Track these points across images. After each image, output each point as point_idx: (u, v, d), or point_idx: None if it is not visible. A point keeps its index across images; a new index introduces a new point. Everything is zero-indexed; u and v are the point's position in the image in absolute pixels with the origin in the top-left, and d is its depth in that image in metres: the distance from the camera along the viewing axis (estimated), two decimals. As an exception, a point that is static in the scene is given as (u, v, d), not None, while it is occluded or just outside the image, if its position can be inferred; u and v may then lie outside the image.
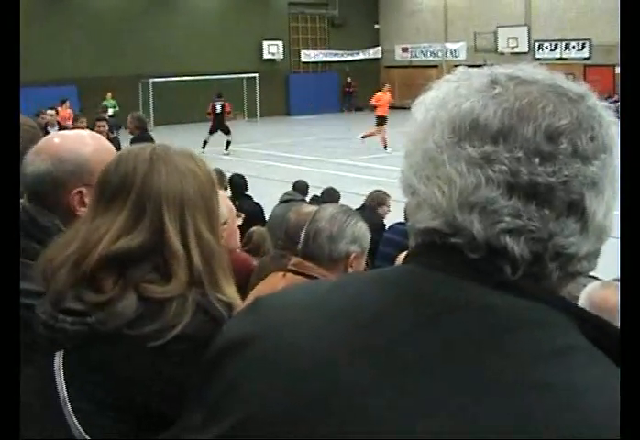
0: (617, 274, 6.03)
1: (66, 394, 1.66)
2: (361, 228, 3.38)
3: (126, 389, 1.65)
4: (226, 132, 25.32)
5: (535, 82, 1.04)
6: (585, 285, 4.75)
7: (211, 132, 25.45)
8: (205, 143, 24.52)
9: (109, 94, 31.57)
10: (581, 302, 3.54)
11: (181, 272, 1.70)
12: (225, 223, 3.35)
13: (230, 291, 1.78)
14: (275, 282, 3.37)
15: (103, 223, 1.74)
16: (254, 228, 6.82)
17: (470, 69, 1.10)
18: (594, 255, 1.04)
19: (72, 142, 2.30)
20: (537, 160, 0.97)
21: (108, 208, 1.77)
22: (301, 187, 10.46)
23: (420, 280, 1.03)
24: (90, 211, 1.82)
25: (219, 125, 25.52)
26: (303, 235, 3.39)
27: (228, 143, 25.11)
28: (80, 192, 2.19)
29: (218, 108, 25.76)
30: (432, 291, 1.00)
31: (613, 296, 3.35)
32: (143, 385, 1.65)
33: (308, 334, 1.03)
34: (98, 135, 2.47)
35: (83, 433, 1.64)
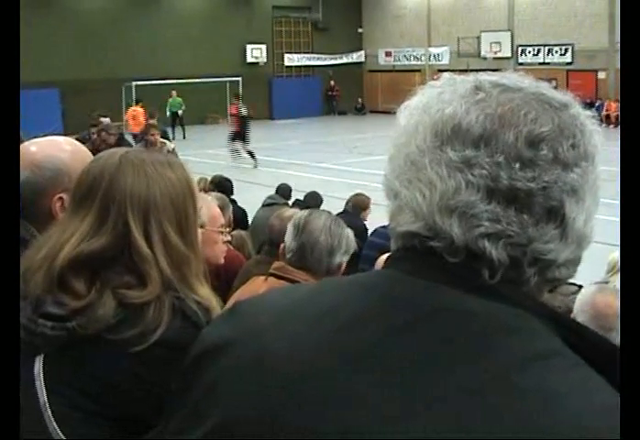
0: (596, 278, 6.04)
1: (46, 399, 1.65)
2: (349, 237, 3.39)
3: (107, 394, 1.64)
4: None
5: (518, 89, 1.05)
6: (569, 294, 4.73)
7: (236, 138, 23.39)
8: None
9: (174, 93, 32.62)
10: (580, 307, 3.52)
11: (155, 275, 1.70)
12: (202, 226, 3.33)
13: (205, 294, 1.78)
14: (257, 286, 3.37)
15: (70, 226, 1.75)
16: (234, 232, 6.79)
17: (455, 75, 1.11)
18: (573, 262, 1.05)
19: (49, 148, 2.28)
20: (518, 166, 0.98)
21: (77, 211, 1.77)
22: (284, 191, 10.45)
23: (400, 285, 1.03)
24: (64, 215, 1.82)
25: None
26: (294, 246, 3.36)
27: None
28: (61, 197, 2.18)
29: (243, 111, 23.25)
30: (411, 296, 1.01)
31: (616, 302, 3.32)
32: (123, 391, 1.64)
33: (287, 338, 1.03)
34: (73, 140, 2.44)
35: (64, 437, 1.64)
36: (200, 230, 3.25)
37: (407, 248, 1.06)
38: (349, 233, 3.40)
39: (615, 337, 3.09)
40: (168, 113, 31.97)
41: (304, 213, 3.46)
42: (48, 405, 1.64)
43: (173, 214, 1.78)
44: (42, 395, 1.65)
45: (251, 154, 22.89)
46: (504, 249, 0.99)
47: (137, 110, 26.27)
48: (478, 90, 1.05)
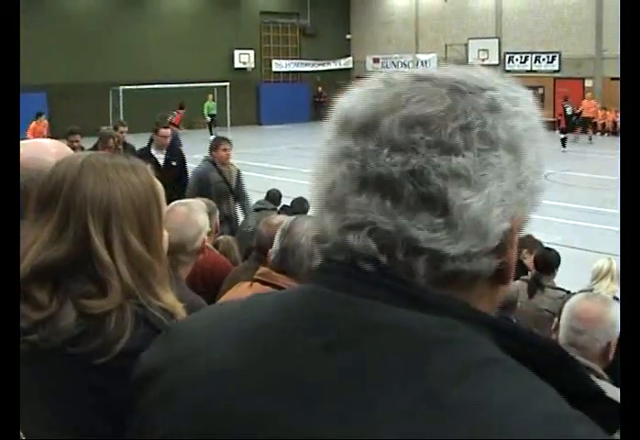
0: (581, 286, 6.08)
1: None
2: None
3: (71, 409, 1.59)
4: None
5: (430, 78, 0.97)
6: (557, 298, 4.75)
7: None
8: None
9: (210, 97, 35.22)
10: (564, 313, 3.55)
11: (115, 283, 1.65)
12: (208, 234, 3.41)
13: (170, 301, 1.74)
14: (242, 292, 3.37)
15: (31, 234, 1.69)
16: (220, 237, 6.77)
17: (391, 73, 1.04)
18: (476, 255, 0.94)
19: (34, 150, 2.26)
20: (385, 151, 0.92)
21: (39, 218, 1.72)
22: (273, 196, 10.42)
23: (319, 302, 0.97)
24: (26, 222, 1.77)
25: None
26: (277, 249, 3.38)
27: None
28: None
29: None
30: (332, 313, 0.94)
31: (595, 307, 3.35)
32: (88, 405, 1.59)
33: (211, 364, 0.98)
34: (59, 142, 2.43)
35: None
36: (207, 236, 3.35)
37: (321, 257, 1.01)
38: None
39: (587, 341, 3.18)
40: (206, 113, 34.94)
41: (292, 218, 3.49)
42: None
43: (136, 220, 1.73)
44: None
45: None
46: (369, 238, 0.93)
47: (36, 125, 23.83)
48: (385, 82, 1.00)
